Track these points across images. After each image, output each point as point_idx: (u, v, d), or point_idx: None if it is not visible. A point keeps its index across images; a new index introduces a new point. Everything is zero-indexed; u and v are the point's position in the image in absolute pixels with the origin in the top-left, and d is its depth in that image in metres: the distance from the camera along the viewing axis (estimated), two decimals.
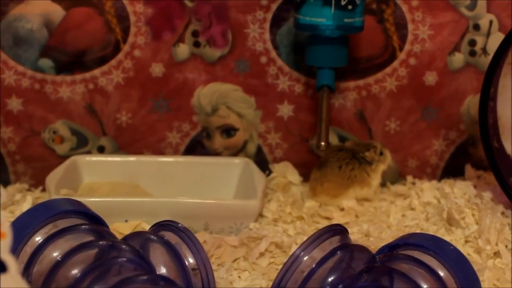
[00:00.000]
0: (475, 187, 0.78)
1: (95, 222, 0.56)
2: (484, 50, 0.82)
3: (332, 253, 0.53)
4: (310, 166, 0.83)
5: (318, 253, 0.54)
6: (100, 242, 0.52)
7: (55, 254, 0.52)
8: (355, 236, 0.70)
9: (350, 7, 0.74)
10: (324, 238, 0.54)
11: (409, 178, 0.84)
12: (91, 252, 0.52)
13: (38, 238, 0.54)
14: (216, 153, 0.84)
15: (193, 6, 0.80)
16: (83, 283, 0.49)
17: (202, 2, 0.80)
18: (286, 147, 0.84)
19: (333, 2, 0.73)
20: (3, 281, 0.37)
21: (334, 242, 0.55)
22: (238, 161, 0.80)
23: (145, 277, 0.49)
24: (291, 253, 0.65)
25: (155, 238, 0.54)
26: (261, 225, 0.71)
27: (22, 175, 0.84)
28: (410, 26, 0.81)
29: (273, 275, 0.62)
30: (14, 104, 0.82)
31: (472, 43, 0.82)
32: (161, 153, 0.84)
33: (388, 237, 0.68)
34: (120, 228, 0.68)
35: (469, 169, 0.84)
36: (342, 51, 0.76)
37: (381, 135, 0.84)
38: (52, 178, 0.74)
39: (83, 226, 0.54)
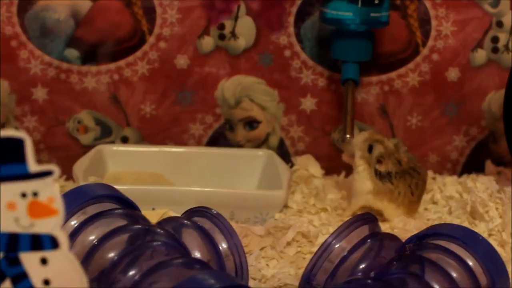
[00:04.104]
0: (496, 182, 0.78)
1: (128, 207, 0.57)
2: (507, 47, 0.83)
3: (363, 242, 0.54)
4: (332, 159, 0.84)
5: (348, 242, 0.54)
6: (136, 226, 0.53)
7: (91, 238, 0.53)
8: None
9: (377, 1, 0.74)
10: (354, 226, 0.55)
11: (430, 173, 0.85)
12: (127, 236, 0.53)
13: (74, 222, 0.54)
14: (239, 145, 0.85)
15: None
16: (120, 266, 0.50)
17: None
18: (309, 140, 0.85)
19: None
20: (55, 257, 0.37)
21: (364, 230, 0.55)
22: (261, 153, 0.81)
23: (180, 261, 0.50)
24: (317, 242, 0.66)
25: (188, 223, 0.55)
26: (286, 216, 0.72)
27: (46, 164, 0.84)
28: (434, 22, 0.82)
29: (301, 264, 0.63)
30: (40, 93, 0.83)
31: (495, 40, 0.83)
32: (184, 144, 0.85)
33: (412, 229, 0.69)
34: (147, 216, 0.69)
35: (489, 165, 0.84)
36: (368, 46, 0.77)
37: (403, 130, 0.85)
38: (79, 166, 0.75)
39: (117, 211, 0.55)
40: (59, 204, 0.37)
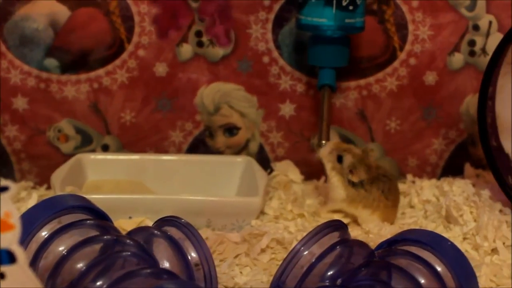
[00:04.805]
0: (474, 185, 0.79)
1: (99, 218, 0.58)
2: (484, 50, 0.83)
3: (331, 248, 0.54)
4: (311, 165, 0.85)
5: (318, 248, 0.55)
6: (105, 237, 0.54)
7: (60, 249, 0.53)
8: (355, 232, 0.71)
9: (351, 7, 0.75)
10: (324, 233, 0.55)
11: (409, 177, 0.85)
12: (96, 247, 0.53)
13: (44, 233, 0.55)
14: (219, 152, 0.86)
15: (197, 5, 0.81)
16: (88, 276, 0.51)
17: (207, 2, 0.81)
18: (288, 146, 0.86)
19: (334, 2, 0.74)
20: (12, 272, 0.38)
21: (333, 237, 0.56)
22: (240, 159, 0.82)
23: (148, 271, 0.50)
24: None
25: (158, 233, 0.55)
26: (263, 222, 0.72)
27: (27, 173, 0.85)
28: (411, 27, 0.82)
29: (274, 271, 0.63)
30: (20, 103, 0.83)
31: (472, 43, 0.83)
32: (164, 151, 0.85)
33: (387, 234, 0.69)
34: (124, 225, 0.69)
35: (468, 168, 0.85)
36: (343, 51, 0.78)
37: (382, 135, 0.85)
38: (57, 176, 0.75)
39: (88, 221, 0.56)
40: (16, 219, 0.37)
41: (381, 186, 0.73)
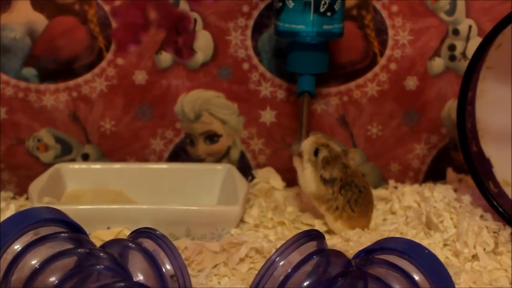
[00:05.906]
0: (455, 190, 0.78)
1: (74, 230, 0.57)
2: (464, 55, 0.83)
3: (308, 258, 0.54)
4: (293, 171, 0.84)
5: (294, 258, 0.54)
6: (78, 250, 0.53)
7: (33, 262, 0.53)
8: (335, 240, 0.71)
9: (329, 13, 0.74)
10: (300, 243, 0.55)
11: (391, 182, 0.85)
12: (69, 260, 0.52)
13: (17, 246, 0.54)
14: (200, 160, 0.85)
15: (156, 18, 0.80)
16: None
17: (166, 14, 0.80)
18: (269, 153, 0.85)
19: (312, 9, 0.74)
20: None
21: (310, 247, 0.55)
22: (220, 167, 0.81)
23: (122, 284, 0.50)
24: None
25: (133, 245, 0.55)
26: (242, 231, 0.72)
27: (7, 184, 0.84)
28: (390, 32, 0.82)
29: (252, 280, 0.63)
30: None
31: (452, 48, 0.83)
32: (145, 160, 0.85)
33: (367, 241, 0.69)
34: (102, 236, 0.69)
35: (450, 173, 0.84)
36: (322, 58, 0.77)
37: (363, 140, 0.85)
38: (35, 186, 0.75)
39: (62, 234, 0.55)
40: None
41: (349, 196, 0.72)
